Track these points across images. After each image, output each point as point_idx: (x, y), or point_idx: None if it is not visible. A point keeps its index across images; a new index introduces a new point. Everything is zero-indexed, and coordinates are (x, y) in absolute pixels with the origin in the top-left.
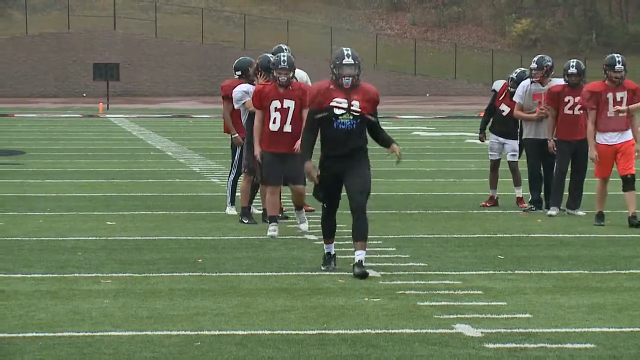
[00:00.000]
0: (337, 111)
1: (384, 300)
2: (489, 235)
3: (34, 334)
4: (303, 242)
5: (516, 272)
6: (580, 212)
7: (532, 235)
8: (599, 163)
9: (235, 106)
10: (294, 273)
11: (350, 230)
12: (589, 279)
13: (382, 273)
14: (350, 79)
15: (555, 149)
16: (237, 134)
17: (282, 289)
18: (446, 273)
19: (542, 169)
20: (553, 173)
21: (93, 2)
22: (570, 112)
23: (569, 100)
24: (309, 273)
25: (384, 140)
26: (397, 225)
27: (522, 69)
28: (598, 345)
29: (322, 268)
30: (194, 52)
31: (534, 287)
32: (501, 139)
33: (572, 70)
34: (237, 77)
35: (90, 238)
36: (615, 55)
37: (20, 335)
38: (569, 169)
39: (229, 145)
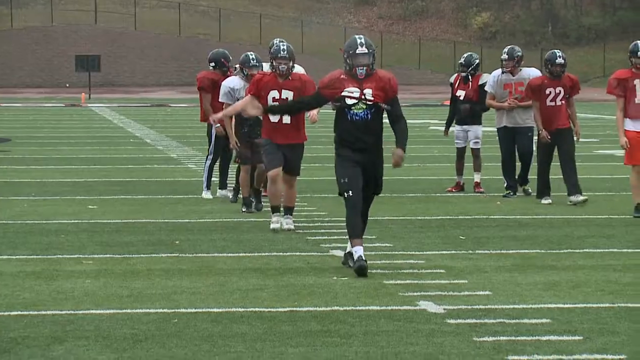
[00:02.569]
0: (349, 101)
1: (351, 279)
2: (451, 217)
3: (19, 313)
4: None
5: (477, 251)
6: (581, 197)
7: (492, 217)
8: (629, 150)
9: (220, 99)
10: (266, 254)
11: (322, 213)
12: (545, 258)
13: None
14: (365, 68)
15: (548, 138)
16: (219, 124)
17: (254, 268)
18: (410, 253)
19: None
20: (525, 158)
21: None
22: (553, 103)
23: (550, 92)
24: (281, 253)
25: (396, 135)
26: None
27: (469, 53)
28: (554, 320)
29: (350, 264)
30: (171, 45)
31: (493, 265)
32: (465, 127)
33: (560, 60)
34: (212, 68)
35: (72, 221)
36: (638, 42)
37: (6, 313)
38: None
39: (204, 132)
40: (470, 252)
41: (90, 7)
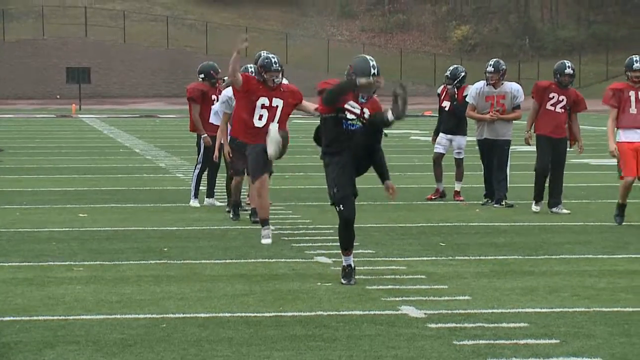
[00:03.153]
0: (348, 115)
1: (335, 284)
2: (431, 225)
3: (12, 318)
4: (260, 231)
5: (456, 258)
6: (564, 210)
7: (471, 224)
8: (623, 162)
9: (220, 109)
10: (252, 260)
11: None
12: (523, 264)
13: (333, 260)
14: (367, 97)
15: (531, 141)
16: (206, 134)
17: (241, 274)
18: (392, 259)
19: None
20: (501, 170)
21: (66, 11)
22: (552, 108)
23: (553, 97)
24: (266, 260)
25: (382, 169)
26: None
27: (455, 66)
28: (531, 324)
29: (343, 281)
30: (160, 57)
31: (472, 271)
32: (449, 136)
33: (569, 70)
34: (201, 79)
35: (63, 229)
36: (634, 56)
37: None
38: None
39: (193, 143)
40: (450, 258)
41: (81, 21)
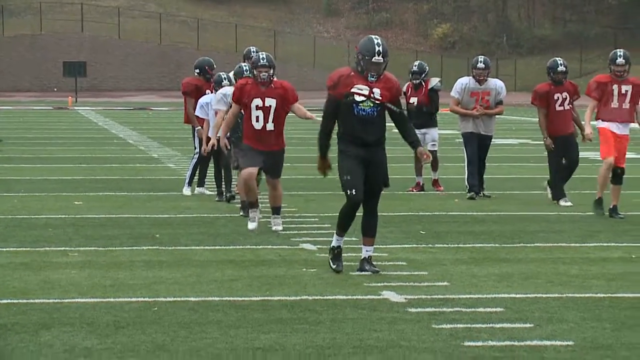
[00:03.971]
0: (357, 98)
1: (320, 270)
2: (412, 214)
3: (9, 301)
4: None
5: (436, 245)
6: (569, 203)
7: (450, 213)
8: (605, 143)
9: (214, 107)
10: (241, 247)
11: (292, 209)
12: (499, 252)
13: (318, 247)
14: (376, 76)
15: (552, 146)
16: (200, 127)
17: (229, 260)
18: (375, 246)
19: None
20: (483, 163)
21: (63, 7)
22: (562, 108)
23: (557, 98)
24: (254, 247)
25: (411, 137)
26: (333, 205)
27: (419, 61)
28: (506, 309)
29: (332, 266)
30: (153, 52)
31: (451, 258)
32: (422, 130)
33: (562, 68)
34: (197, 74)
35: (59, 216)
36: (617, 51)
37: None
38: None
39: (184, 134)
40: (430, 245)
41: (77, 17)
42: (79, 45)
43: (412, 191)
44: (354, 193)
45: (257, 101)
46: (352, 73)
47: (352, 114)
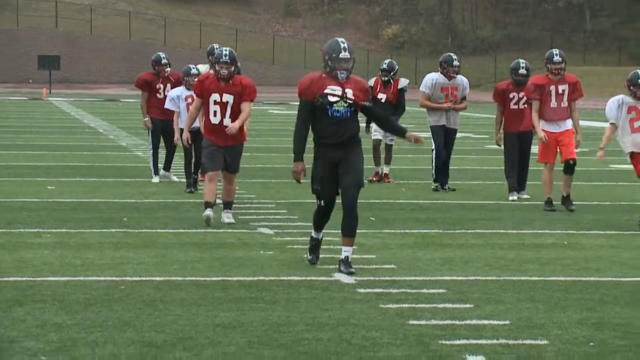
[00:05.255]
0: (331, 98)
1: (276, 252)
2: (363, 201)
3: None
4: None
5: (384, 231)
6: (517, 196)
7: (398, 201)
8: (543, 149)
9: (165, 106)
10: (203, 230)
11: (251, 195)
12: (442, 237)
13: (275, 231)
14: (346, 72)
15: (501, 142)
16: (147, 118)
17: (192, 243)
18: (327, 231)
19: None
20: (448, 156)
21: (38, 4)
22: (516, 106)
23: (513, 97)
24: (215, 230)
25: (394, 128)
26: (289, 192)
27: (390, 60)
28: (449, 290)
29: (308, 257)
30: (122, 47)
31: (398, 243)
32: None
33: (523, 71)
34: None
35: (33, 200)
36: (554, 50)
37: None
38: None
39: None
40: (379, 231)
41: (52, 13)
42: (53, 40)
43: (373, 180)
44: (322, 204)
45: (215, 96)
46: (324, 75)
47: (326, 116)
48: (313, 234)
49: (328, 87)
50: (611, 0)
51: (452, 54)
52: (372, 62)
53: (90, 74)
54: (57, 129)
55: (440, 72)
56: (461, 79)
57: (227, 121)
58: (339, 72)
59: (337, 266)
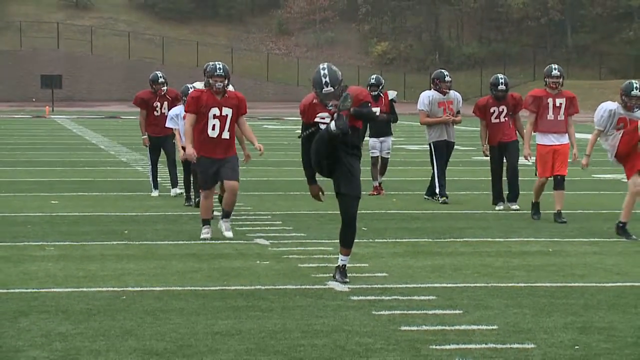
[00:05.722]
0: (322, 126)
1: (272, 262)
2: None
3: None
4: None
5: (376, 240)
6: (515, 206)
7: (389, 211)
8: (541, 163)
9: (167, 125)
10: (201, 242)
11: (247, 207)
12: (432, 246)
13: (271, 241)
14: (333, 105)
15: (487, 152)
16: (146, 135)
17: (191, 254)
18: (321, 241)
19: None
20: (446, 168)
21: (41, 26)
22: (497, 120)
23: (493, 111)
24: (213, 242)
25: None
26: (283, 204)
27: (376, 75)
28: (438, 297)
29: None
30: (122, 66)
31: (389, 252)
32: (381, 138)
33: (502, 87)
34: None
35: (37, 214)
36: (553, 65)
37: None
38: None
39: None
40: (371, 240)
41: (54, 35)
42: (55, 60)
43: (374, 194)
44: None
45: (215, 110)
46: (315, 101)
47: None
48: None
49: (318, 115)
50: (591, 17)
51: (443, 70)
52: (362, 78)
53: (91, 92)
54: (59, 145)
55: (434, 89)
56: (454, 94)
57: (225, 134)
58: (328, 105)
59: (332, 274)
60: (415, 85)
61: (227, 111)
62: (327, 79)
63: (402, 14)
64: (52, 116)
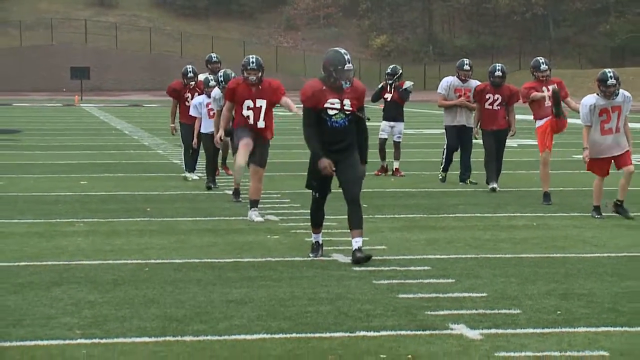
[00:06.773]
0: (330, 112)
1: (281, 237)
2: None
3: (26, 263)
4: (223, 195)
5: (376, 216)
6: (495, 185)
7: (387, 189)
8: (542, 137)
9: (190, 113)
10: (217, 218)
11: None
12: (427, 221)
13: (280, 218)
14: (349, 82)
15: (477, 135)
16: (174, 124)
17: (208, 229)
18: (327, 217)
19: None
20: (467, 152)
21: (70, 22)
22: (490, 107)
23: (489, 97)
24: (228, 218)
25: (359, 149)
26: (292, 183)
27: (393, 65)
28: (433, 267)
29: (310, 255)
30: (144, 59)
31: (388, 226)
32: (392, 123)
33: (498, 73)
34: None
35: (68, 193)
36: (539, 58)
37: (16, 264)
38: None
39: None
40: (371, 216)
41: (82, 31)
42: (83, 54)
43: (379, 174)
44: (317, 196)
45: (248, 102)
46: (324, 87)
47: (326, 126)
48: (313, 238)
49: (328, 101)
50: (571, 12)
51: (464, 59)
52: (363, 69)
53: (116, 82)
54: (87, 131)
55: (456, 76)
56: (474, 83)
57: (260, 124)
58: (343, 83)
59: (350, 259)
60: (411, 76)
61: (261, 102)
62: (349, 57)
63: (399, 9)
64: (81, 105)
